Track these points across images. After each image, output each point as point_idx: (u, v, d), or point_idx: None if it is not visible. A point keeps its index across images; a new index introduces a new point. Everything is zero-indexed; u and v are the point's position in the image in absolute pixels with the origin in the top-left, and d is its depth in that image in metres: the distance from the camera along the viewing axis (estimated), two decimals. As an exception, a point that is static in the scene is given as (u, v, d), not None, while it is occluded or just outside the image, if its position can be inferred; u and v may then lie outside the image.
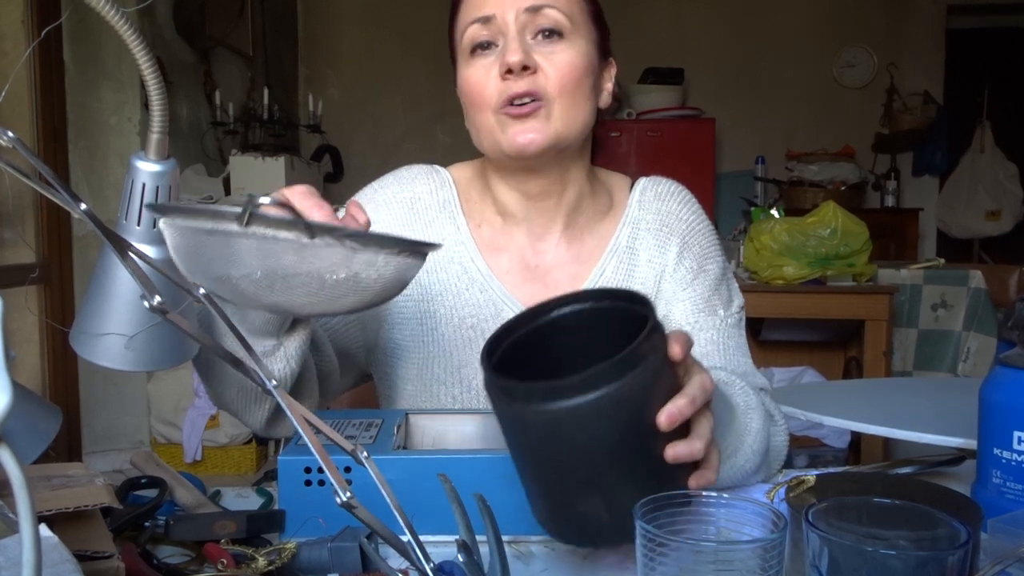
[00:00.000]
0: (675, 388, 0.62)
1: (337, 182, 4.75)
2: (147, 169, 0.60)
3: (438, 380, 0.99)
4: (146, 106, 0.87)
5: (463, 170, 1.06)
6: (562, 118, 0.90)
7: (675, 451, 0.60)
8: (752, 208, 3.58)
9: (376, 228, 0.97)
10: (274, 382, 0.52)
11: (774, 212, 3.05)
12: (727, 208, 4.54)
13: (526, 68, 0.88)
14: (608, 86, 0.99)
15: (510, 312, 0.97)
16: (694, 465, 0.63)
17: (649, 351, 0.59)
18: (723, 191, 4.61)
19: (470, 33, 0.92)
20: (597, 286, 1.00)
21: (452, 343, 0.99)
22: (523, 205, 0.99)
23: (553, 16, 0.90)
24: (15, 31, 2.80)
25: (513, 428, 0.61)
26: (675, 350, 0.61)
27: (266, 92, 4.15)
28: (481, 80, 0.91)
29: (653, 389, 0.59)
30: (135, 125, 3.28)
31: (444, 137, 4.87)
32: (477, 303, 0.99)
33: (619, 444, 0.58)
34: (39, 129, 2.86)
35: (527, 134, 0.90)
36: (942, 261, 3.16)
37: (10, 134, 0.50)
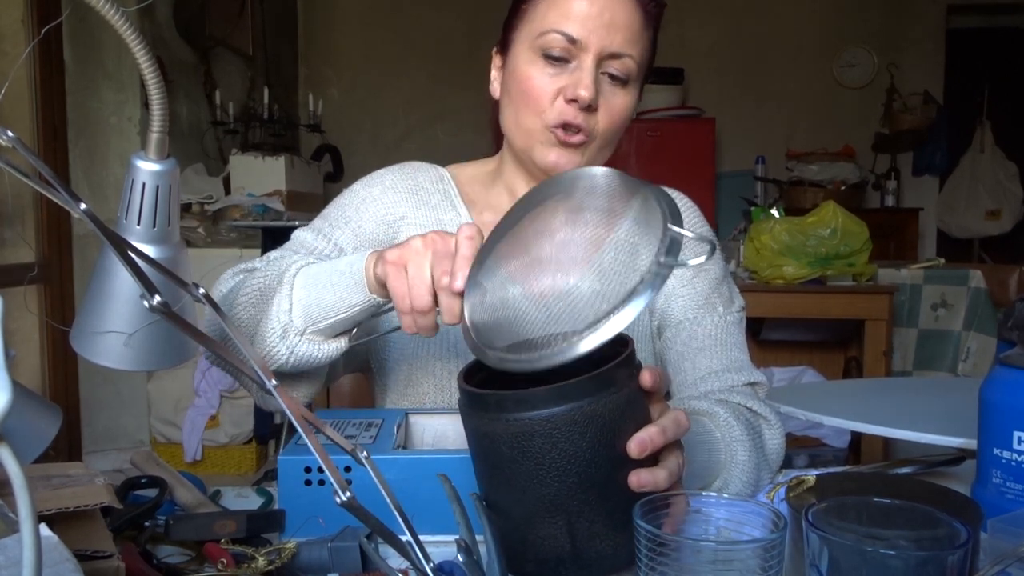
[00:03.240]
0: (647, 421, 0.61)
1: (337, 182, 4.75)
2: (147, 168, 0.60)
3: (425, 363, 1.00)
4: (146, 106, 0.87)
5: (463, 169, 1.09)
6: (596, 154, 0.97)
7: (639, 478, 0.58)
8: (752, 208, 3.57)
9: (381, 206, 1.01)
10: (274, 382, 0.52)
11: (774, 212, 3.05)
12: (727, 208, 4.53)
13: (589, 106, 0.92)
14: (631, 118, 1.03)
15: None
16: None
17: (625, 377, 0.59)
18: (723, 191, 4.61)
19: (548, 39, 0.93)
20: None
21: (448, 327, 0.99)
22: None
23: (628, 66, 0.94)
24: (15, 31, 2.80)
25: (480, 443, 0.59)
26: (646, 376, 0.61)
27: (266, 92, 4.15)
28: (544, 89, 0.94)
29: (626, 413, 0.59)
30: (135, 125, 3.28)
31: (444, 137, 4.87)
32: None
33: (588, 464, 0.57)
34: (39, 129, 2.86)
35: (563, 163, 0.94)
36: (942, 261, 3.16)
37: (10, 134, 0.50)
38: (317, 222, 1.03)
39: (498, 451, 0.58)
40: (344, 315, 0.79)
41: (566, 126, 0.93)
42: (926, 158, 4.93)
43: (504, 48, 1.00)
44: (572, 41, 0.92)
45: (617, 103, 0.95)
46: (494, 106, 1.02)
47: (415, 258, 0.73)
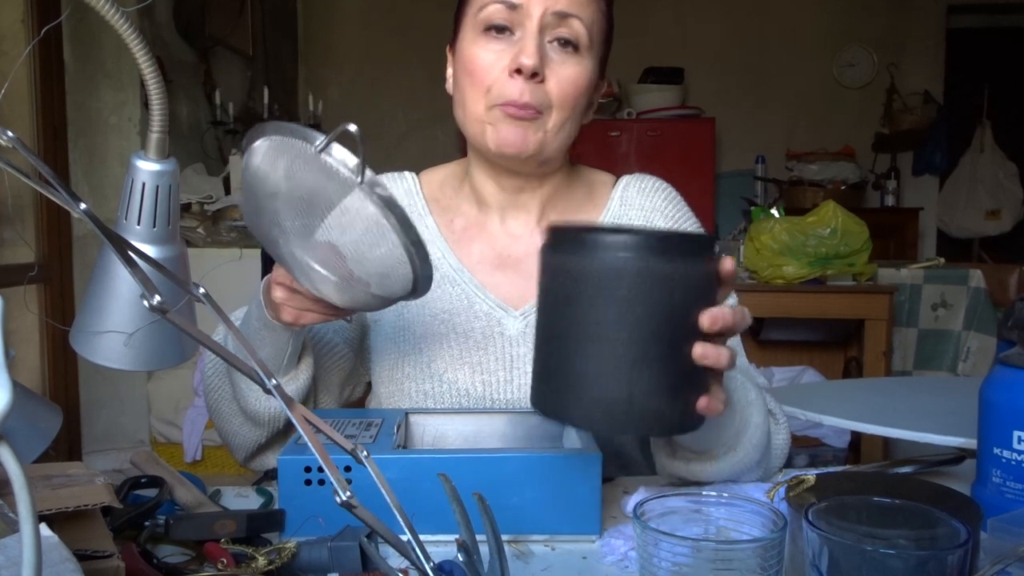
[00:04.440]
0: (716, 304, 0.64)
1: (337, 182, 4.74)
2: (147, 168, 0.60)
3: (408, 376, 0.99)
4: (146, 106, 0.87)
5: (434, 174, 1.08)
6: (552, 130, 0.91)
7: (704, 349, 0.61)
8: (752, 208, 3.58)
9: None
10: (274, 382, 0.52)
11: (774, 212, 3.05)
12: (727, 208, 4.54)
13: (535, 75, 0.87)
14: (595, 102, 0.99)
15: (482, 303, 0.98)
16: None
17: (711, 255, 0.63)
18: (723, 191, 4.61)
19: (490, 11, 0.89)
20: None
21: (423, 339, 0.99)
22: (498, 196, 1.01)
23: (576, 28, 0.89)
24: (15, 31, 2.80)
25: (564, 282, 0.61)
26: (726, 263, 0.64)
27: (266, 92, 4.15)
28: (487, 66, 0.89)
29: (706, 286, 0.62)
30: (135, 125, 3.28)
31: (444, 137, 4.87)
32: (449, 297, 0.99)
33: (664, 322, 0.60)
34: (39, 129, 2.86)
35: (515, 139, 0.89)
36: (942, 261, 3.16)
37: (10, 134, 0.50)
38: None
39: (582, 291, 0.60)
40: (287, 352, 0.87)
41: (512, 102, 0.87)
42: (926, 158, 4.93)
43: (454, 41, 0.96)
44: (512, 7, 0.88)
45: (568, 72, 0.89)
46: (453, 105, 0.98)
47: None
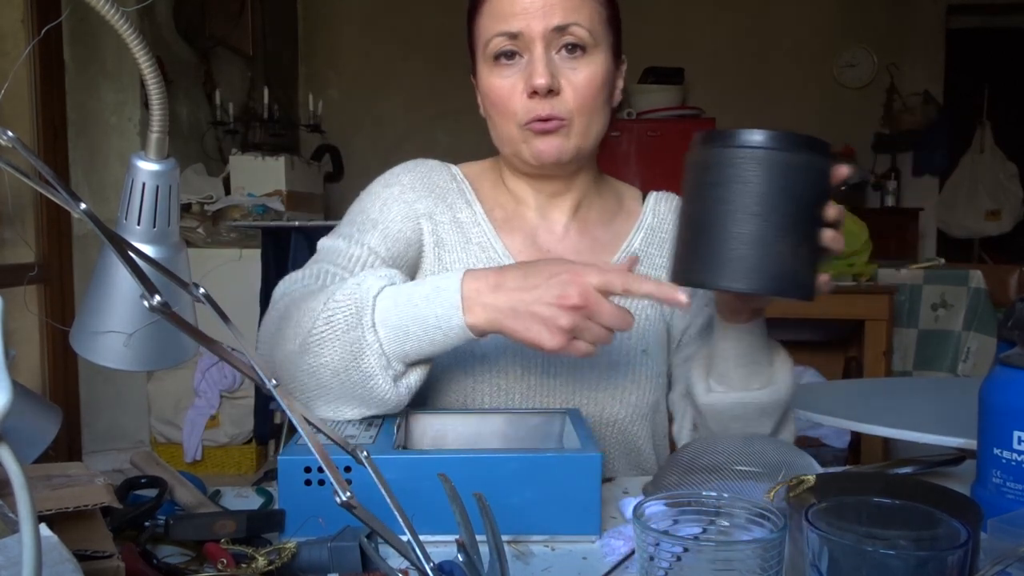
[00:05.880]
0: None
1: (337, 182, 4.75)
2: (147, 169, 0.60)
3: (458, 359, 0.98)
4: (146, 106, 0.87)
5: (471, 167, 1.10)
6: (582, 133, 0.96)
7: (835, 234, 0.79)
8: (752, 208, 3.57)
9: (403, 205, 1.01)
10: (274, 381, 0.52)
11: (774, 212, 3.04)
12: (727, 208, 4.53)
13: (551, 91, 0.92)
14: (620, 83, 1.02)
15: None
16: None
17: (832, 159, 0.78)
18: (723, 191, 4.60)
19: (495, 44, 0.94)
20: None
21: None
22: (536, 198, 1.05)
23: (578, 33, 0.93)
24: (15, 31, 2.80)
25: (760, 174, 0.74)
26: (842, 169, 0.79)
27: (266, 92, 4.15)
28: (506, 93, 0.95)
29: (832, 182, 0.78)
30: (135, 125, 3.28)
31: (444, 137, 4.87)
32: None
33: (812, 206, 0.76)
34: (39, 129, 2.86)
35: (550, 149, 0.95)
36: (942, 261, 3.16)
37: (10, 134, 0.50)
38: (345, 228, 1.01)
39: (748, 179, 0.74)
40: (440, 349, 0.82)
41: (537, 120, 0.93)
42: (926, 158, 4.93)
43: (474, 72, 1.01)
44: (514, 36, 0.93)
45: (581, 77, 0.94)
46: (489, 128, 1.03)
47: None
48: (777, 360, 0.94)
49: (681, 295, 0.75)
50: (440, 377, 0.98)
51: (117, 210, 0.62)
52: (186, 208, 3.36)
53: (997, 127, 4.89)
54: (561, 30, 0.92)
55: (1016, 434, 0.69)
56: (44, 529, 0.47)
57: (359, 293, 0.80)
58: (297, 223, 3.17)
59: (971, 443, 0.86)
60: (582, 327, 0.76)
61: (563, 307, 0.75)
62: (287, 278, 0.97)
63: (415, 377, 0.83)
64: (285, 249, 2.99)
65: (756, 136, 0.75)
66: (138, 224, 0.60)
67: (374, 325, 0.79)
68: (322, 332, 0.80)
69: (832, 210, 0.78)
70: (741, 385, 0.92)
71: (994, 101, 5.00)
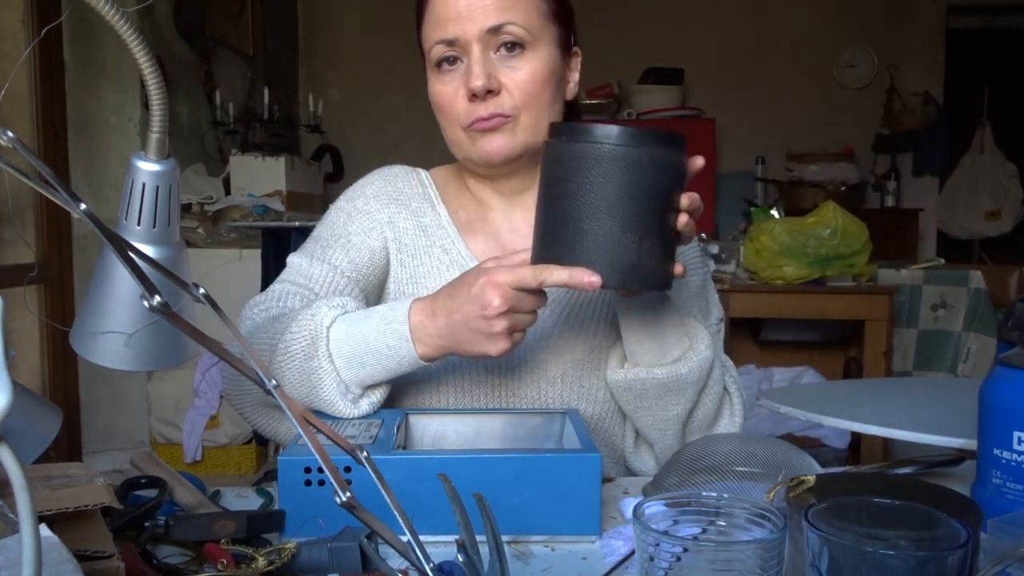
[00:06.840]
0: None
1: (337, 182, 4.74)
2: (147, 169, 0.60)
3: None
4: (146, 106, 0.87)
5: (440, 171, 1.12)
6: (529, 128, 0.96)
7: (687, 220, 0.80)
8: (752, 208, 3.57)
9: (365, 217, 1.04)
10: (273, 382, 0.52)
11: (774, 212, 3.05)
12: (727, 208, 4.53)
13: (489, 91, 0.93)
14: (574, 77, 1.03)
15: None
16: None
17: (686, 152, 0.79)
18: (723, 191, 4.60)
19: (435, 51, 0.96)
20: None
21: None
22: (498, 199, 1.06)
23: (513, 31, 0.94)
24: (15, 31, 2.80)
25: (580, 168, 0.76)
26: (698, 159, 0.80)
27: (266, 92, 4.15)
28: (449, 97, 0.97)
29: (685, 174, 0.80)
30: (135, 125, 3.28)
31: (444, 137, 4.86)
32: None
33: (658, 197, 0.77)
34: (39, 129, 2.86)
35: (495, 147, 0.96)
36: (942, 261, 3.16)
37: (10, 134, 0.50)
38: (309, 245, 1.04)
39: (594, 175, 0.76)
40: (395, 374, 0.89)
41: (479, 120, 0.95)
42: (926, 158, 4.93)
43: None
44: (451, 43, 0.94)
45: (521, 74, 0.94)
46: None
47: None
48: (695, 340, 0.95)
49: (593, 277, 0.77)
50: (402, 384, 0.98)
51: (117, 210, 0.62)
52: (186, 208, 3.36)
53: (997, 127, 4.89)
54: (496, 30, 0.93)
55: (1016, 434, 0.69)
56: (44, 529, 0.47)
57: (312, 325, 0.87)
58: (297, 223, 3.16)
59: (971, 443, 0.86)
60: (513, 322, 0.82)
61: (491, 316, 0.80)
62: (251, 301, 1.02)
63: (377, 396, 0.89)
64: (285, 249, 2.98)
65: (599, 132, 0.76)
66: (138, 224, 0.60)
67: (330, 356, 0.86)
68: (280, 363, 0.87)
69: (685, 199, 0.79)
70: (647, 363, 0.94)
71: (994, 101, 4.99)
